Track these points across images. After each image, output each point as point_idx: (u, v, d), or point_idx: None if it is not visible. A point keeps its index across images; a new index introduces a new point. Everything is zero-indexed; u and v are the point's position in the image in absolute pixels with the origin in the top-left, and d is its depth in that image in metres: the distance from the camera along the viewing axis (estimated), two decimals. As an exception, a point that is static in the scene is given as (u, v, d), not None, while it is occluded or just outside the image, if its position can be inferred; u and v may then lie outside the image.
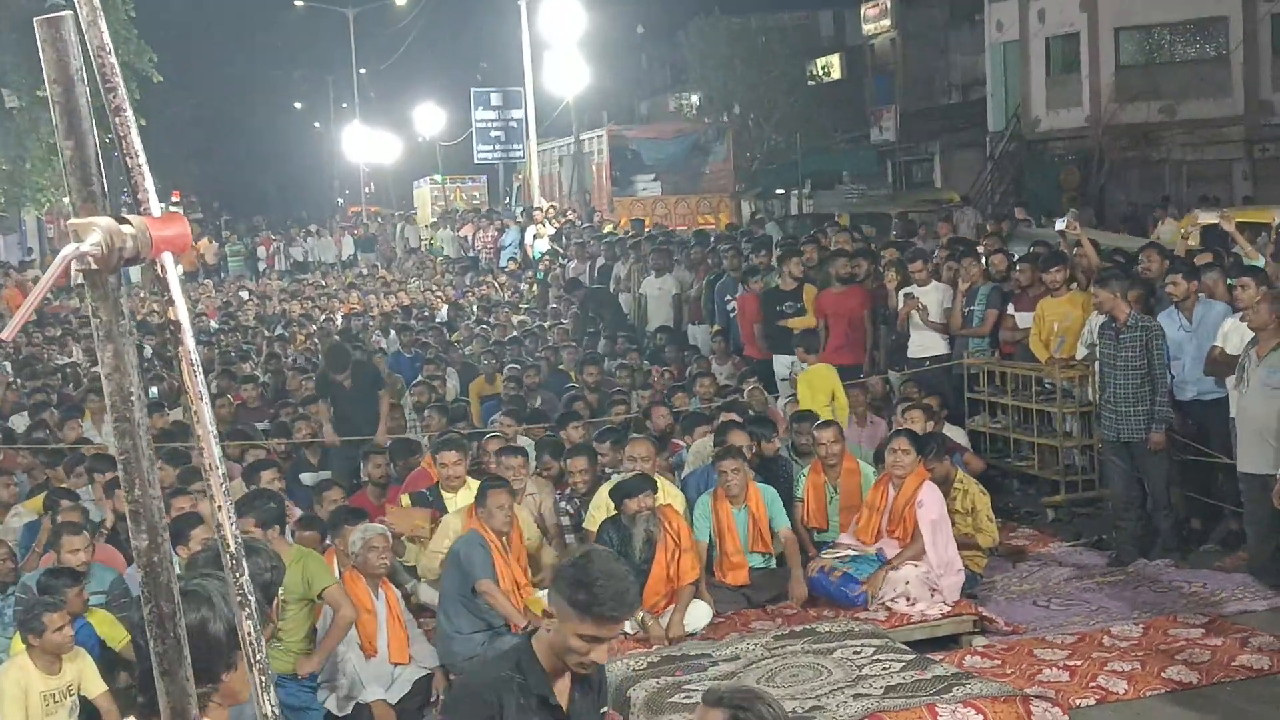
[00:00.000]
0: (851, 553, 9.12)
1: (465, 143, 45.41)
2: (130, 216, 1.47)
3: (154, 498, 1.44)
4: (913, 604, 8.67)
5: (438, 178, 45.37)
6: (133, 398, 1.45)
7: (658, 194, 34.62)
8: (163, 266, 1.49)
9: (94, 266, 1.44)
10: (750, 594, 9.11)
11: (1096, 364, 10.52)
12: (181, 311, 1.48)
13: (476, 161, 44.20)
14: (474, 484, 9.61)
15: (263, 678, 1.45)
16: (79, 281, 1.49)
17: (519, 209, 36.71)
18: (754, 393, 12.42)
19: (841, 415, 11.17)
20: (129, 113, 1.51)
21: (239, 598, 1.45)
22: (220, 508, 1.45)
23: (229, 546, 1.44)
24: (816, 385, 11.74)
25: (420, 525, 9.34)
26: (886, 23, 41.90)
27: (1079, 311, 11.27)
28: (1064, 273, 11.56)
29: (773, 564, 9.33)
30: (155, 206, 1.50)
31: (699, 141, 37.58)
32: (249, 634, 1.45)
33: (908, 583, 8.72)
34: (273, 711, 1.46)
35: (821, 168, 37.48)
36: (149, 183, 1.51)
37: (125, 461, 1.44)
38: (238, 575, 1.45)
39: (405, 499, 9.91)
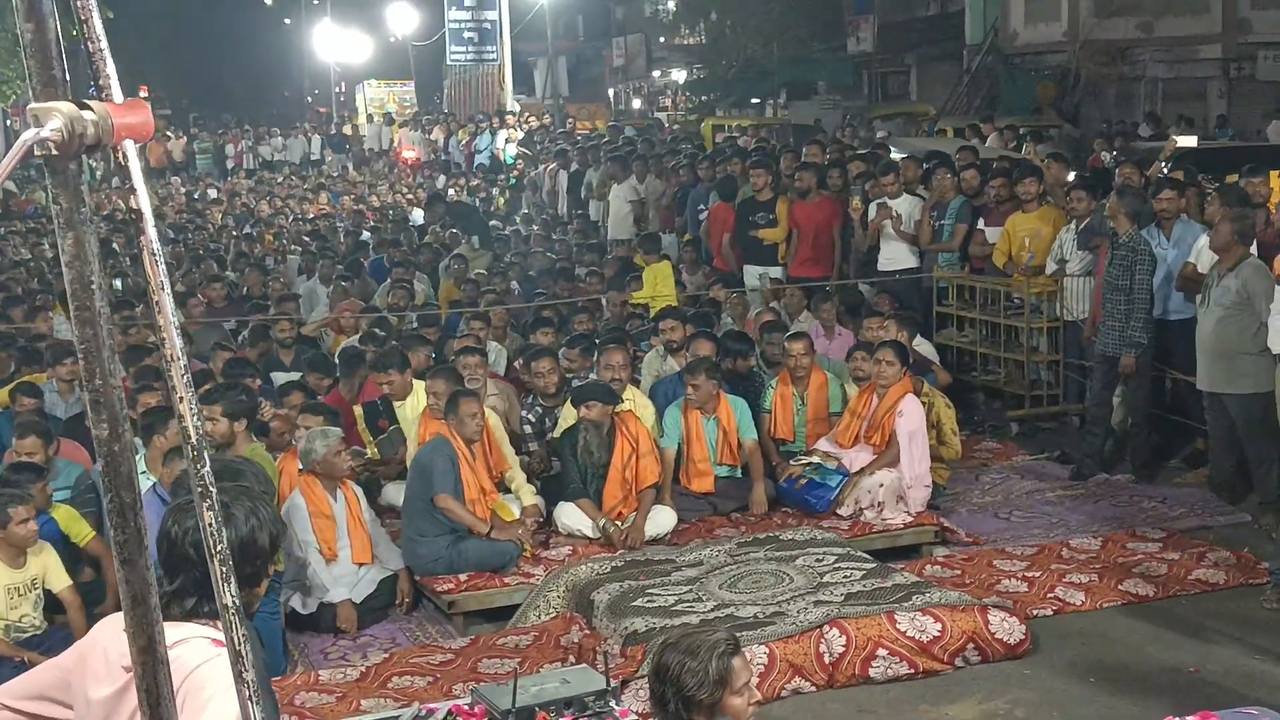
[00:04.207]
0: (816, 460, 9.19)
1: (438, 44, 44.86)
2: (92, 102, 1.45)
3: (115, 388, 1.43)
4: (880, 509, 8.75)
5: (373, 81, 47.19)
6: (94, 286, 1.44)
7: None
8: (124, 154, 1.47)
9: (54, 153, 1.42)
10: (715, 502, 9.18)
11: (1065, 279, 10.55)
12: (144, 200, 1.46)
13: (449, 63, 43.78)
14: (422, 389, 9.60)
15: (223, 569, 1.46)
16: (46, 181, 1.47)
17: (445, 113, 40.50)
18: (734, 303, 12.43)
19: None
20: (91, -3, 1.48)
21: (199, 489, 1.45)
22: (182, 399, 1.44)
23: (190, 437, 1.43)
24: (661, 280, 12.94)
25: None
26: (868, -70, 41.30)
27: (1049, 228, 11.28)
28: (1037, 185, 11.56)
29: (738, 474, 9.39)
30: (118, 93, 1.48)
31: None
32: (209, 524, 1.45)
33: (882, 485, 8.78)
34: (233, 602, 1.46)
35: (797, 77, 37.27)
36: (111, 68, 1.48)
37: (86, 351, 1.43)
38: (199, 466, 1.44)
39: (358, 410, 9.87)
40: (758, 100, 37.76)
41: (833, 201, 13.56)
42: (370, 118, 42.76)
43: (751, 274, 13.76)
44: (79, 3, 1.48)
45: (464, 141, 33.72)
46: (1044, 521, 9.14)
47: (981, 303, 11.77)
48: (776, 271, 13.54)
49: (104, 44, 1.47)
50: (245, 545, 2.94)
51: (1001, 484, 10.01)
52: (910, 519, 8.78)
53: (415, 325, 12.34)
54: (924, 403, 9.48)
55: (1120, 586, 7.74)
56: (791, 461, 9.32)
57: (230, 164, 38.56)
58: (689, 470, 9.20)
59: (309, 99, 63.38)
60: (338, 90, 54.23)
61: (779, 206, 13.72)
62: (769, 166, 14.49)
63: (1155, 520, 9.00)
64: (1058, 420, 11.44)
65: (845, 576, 7.49)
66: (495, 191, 26.86)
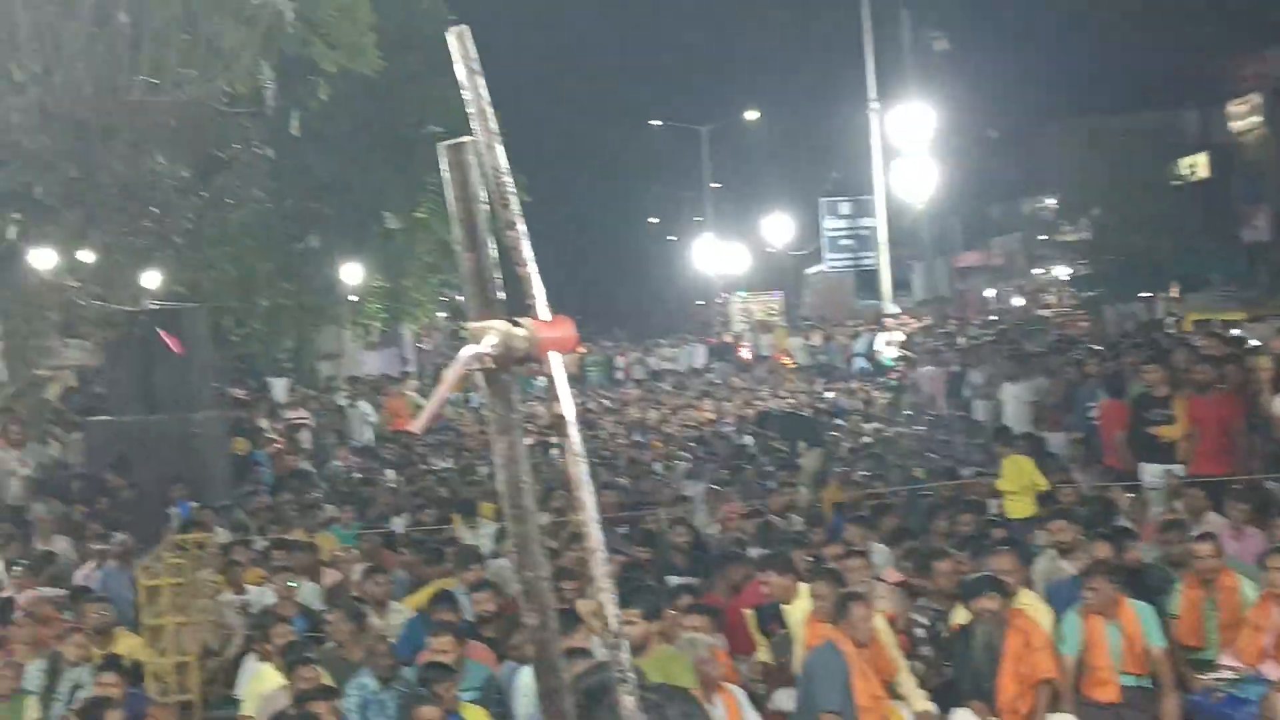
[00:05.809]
0: (1233, 674, 8.61)
1: (814, 252, 46.02)
2: (522, 319, 1.60)
3: (544, 579, 1.55)
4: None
5: (742, 292, 49.70)
6: (523, 486, 1.57)
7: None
8: (550, 365, 1.61)
9: (491, 365, 1.57)
10: (1122, 712, 8.68)
11: None
12: (568, 406, 1.59)
13: (826, 269, 44.80)
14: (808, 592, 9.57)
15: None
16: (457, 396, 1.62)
17: (821, 318, 42.37)
18: (1133, 503, 11.98)
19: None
20: (521, 225, 1.65)
21: (619, 673, 1.53)
22: (601, 589, 1.54)
23: (610, 625, 1.53)
24: (1022, 475, 12.96)
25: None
26: (1257, 119, 39.93)
27: None
28: None
29: (1146, 684, 8.86)
30: (544, 310, 1.63)
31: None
32: (629, 712, 1.53)
33: (1300, 705, 8.13)
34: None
35: (1188, 269, 35.94)
36: (539, 288, 1.64)
37: (519, 545, 1.56)
38: (616, 652, 1.53)
39: (749, 613, 9.95)
40: (1148, 294, 36.59)
41: (1233, 396, 12.93)
42: (748, 325, 44.06)
43: (1150, 472, 13.17)
44: (511, 232, 1.65)
45: (843, 345, 34.20)
46: None
47: None
48: (1179, 469, 12.92)
49: (533, 266, 1.64)
50: None
51: None
52: (1346, 737, 8.05)
53: (800, 528, 12.38)
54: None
55: None
56: (1207, 675, 8.74)
57: (619, 375, 40.15)
58: (1090, 678, 8.75)
59: (690, 310, 65.80)
60: (719, 300, 56.14)
61: (1176, 403, 13.18)
62: (1163, 361, 13.98)
63: None
64: None
65: (1269, 797, 6.92)
66: (875, 393, 26.92)
